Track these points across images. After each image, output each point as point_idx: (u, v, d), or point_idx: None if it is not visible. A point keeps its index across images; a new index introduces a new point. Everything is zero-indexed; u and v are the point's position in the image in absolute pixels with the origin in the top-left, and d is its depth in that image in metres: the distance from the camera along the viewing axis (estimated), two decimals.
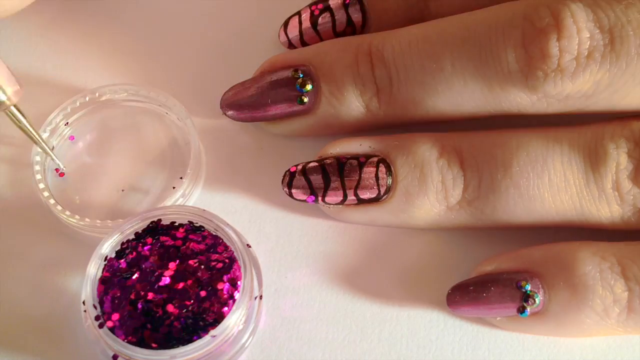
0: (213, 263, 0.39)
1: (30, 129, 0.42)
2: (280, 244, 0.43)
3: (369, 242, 0.43)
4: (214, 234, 0.40)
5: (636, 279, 0.38)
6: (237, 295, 0.38)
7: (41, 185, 0.43)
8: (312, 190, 0.42)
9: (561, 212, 0.39)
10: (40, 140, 0.43)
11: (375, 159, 0.41)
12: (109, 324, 0.38)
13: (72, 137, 0.46)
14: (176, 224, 0.40)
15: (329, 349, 0.41)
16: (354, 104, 0.42)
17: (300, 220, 0.44)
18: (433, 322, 0.41)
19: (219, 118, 0.46)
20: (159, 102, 0.46)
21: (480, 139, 0.41)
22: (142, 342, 0.37)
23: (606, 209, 0.39)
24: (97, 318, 0.38)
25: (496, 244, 0.42)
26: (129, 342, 0.37)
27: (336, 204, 0.42)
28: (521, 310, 0.39)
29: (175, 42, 0.49)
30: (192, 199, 0.45)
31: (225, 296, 0.38)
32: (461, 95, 0.40)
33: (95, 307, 0.38)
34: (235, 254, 0.39)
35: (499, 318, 0.40)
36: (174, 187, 0.44)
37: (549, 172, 0.39)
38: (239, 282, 0.39)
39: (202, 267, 0.39)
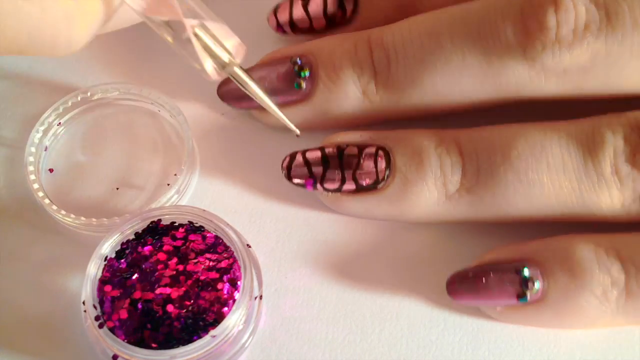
0: (213, 263, 0.39)
1: (260, 93, 0.38)
2: (280, 244, 0.43)
3: (369, 242, 0.43)
4: (214, 234, 0.40)
5: (632, 261, 0.38)
6: (237, 295, 0.38)
7: (35, 186, 0.43)
8: (310, 174, 0.42)
9: (561, 200, 0.40)
10: (274, 107, 0.39)
11: (374, 147, 0.42)
12: (109, 324, 0.37)
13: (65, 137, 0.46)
14: (176, 224, 0.40)
15: (329, 349, 0.41)
16: (350, 89, 0.43)
17: (301, 220, 0.44)
18: (433, 322, 0.41)
19: (214, 115, 0.46)
20: (151, 100, 0.46)
21: (478, 132, 0.41)
22: (142, 342, 0.37)
23: (606, 194, 0.39)
24: (97, 318, 0.38)
25: (497, 242, 0.42)
26: (129, 342, 0.37)
27: (334, 190, 0.42)
28: (521, 295, 0.38)
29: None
30: (187, 196, 0.45)
31: (225, 296, 0.38)
32: (460, 71, 0.41)
33: (95, 307, 0.38)
34: (235, 254, 0.39)
35: (499, 308, 0.40)
36: (168, 184, 0.44)
37: (547, 157, 0.39)
38: (239, 282, 0.39)
39: (202, 267, 0.39)
